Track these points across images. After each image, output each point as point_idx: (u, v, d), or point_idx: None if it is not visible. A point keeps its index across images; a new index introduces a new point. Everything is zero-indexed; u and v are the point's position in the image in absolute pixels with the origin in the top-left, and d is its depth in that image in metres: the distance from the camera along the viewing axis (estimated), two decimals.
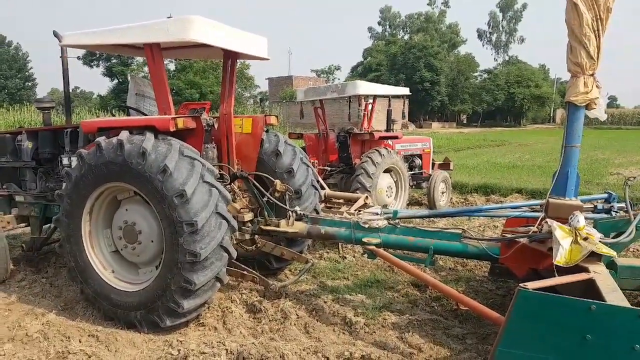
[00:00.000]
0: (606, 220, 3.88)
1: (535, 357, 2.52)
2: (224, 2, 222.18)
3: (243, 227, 4.58)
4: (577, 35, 3.12)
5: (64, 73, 5.12)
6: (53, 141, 5.22)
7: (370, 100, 8.48)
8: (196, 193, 3.57)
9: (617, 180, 10.91)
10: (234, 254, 3.92)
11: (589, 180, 11.42)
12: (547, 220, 3.27)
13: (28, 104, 38.27)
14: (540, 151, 22.20)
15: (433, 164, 9.79)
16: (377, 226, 4.16)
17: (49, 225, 5.41)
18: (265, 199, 4.66)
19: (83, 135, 4.70)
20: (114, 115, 7.51)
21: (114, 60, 51.07)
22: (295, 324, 3.91)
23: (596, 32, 3.11)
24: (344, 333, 3.80)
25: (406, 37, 73.39)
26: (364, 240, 4.12)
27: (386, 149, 7.80)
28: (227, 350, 3.39)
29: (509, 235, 3.73)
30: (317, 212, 5.15)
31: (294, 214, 4.61)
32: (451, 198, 9.63)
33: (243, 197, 4.79)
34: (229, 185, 4.57)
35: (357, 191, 7.16)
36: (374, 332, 3.78)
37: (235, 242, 4.22)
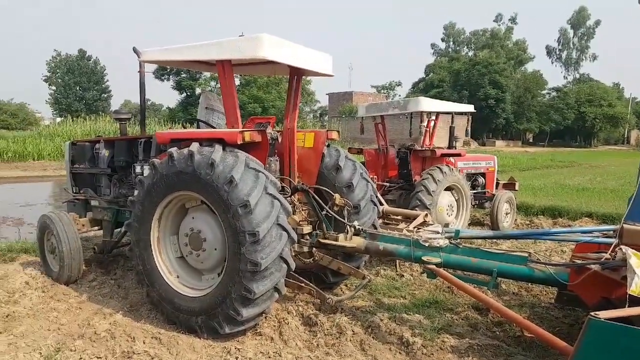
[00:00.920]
0: None
1: None
2: (290, 19, 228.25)
3: (302, 240, 4.64)
4: None
5: (140, 87, 5.45)
6: (128, 150, 5.55)
7: (433, 117, 8.37)
8: (259, 204, 3.67)
9: None
10: (293, 266, 3.97)
11: None
12: (622, 247, 3.08)
13: (103, 114, 40.98)
14: (612, 174, 20.91)
15: (497, 184, 9.49)
16: (438, 245, 4.08)
17: (119, 229, 5.73)
18: (324, 212, 4.72)
19: (156, 146, 4.97)
20: (184, 128, 7.88)
21: (183, 75, 53.80)
22: (351, 340, 3.89)
23: None
24: (400, 353, 3.74)
25: (470, 53, 72.02)
26: (424, 258, 4.06)
27: (448, 166, 7.65)
28: None
29: (579, 261, 3.54)
30: (375, 228, 5.13)
31: (352, 229, 4.62)
32: (516, 219, 9.27)
33: (303, 210, 4.86)
34: (289, 198, 4.66)
35: (416, 208, 7.05)
36: (432, 354, 3.69)
37: (294, 254, 4.28)
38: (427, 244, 4.10)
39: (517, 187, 9.50)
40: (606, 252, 3.45)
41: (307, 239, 4.72)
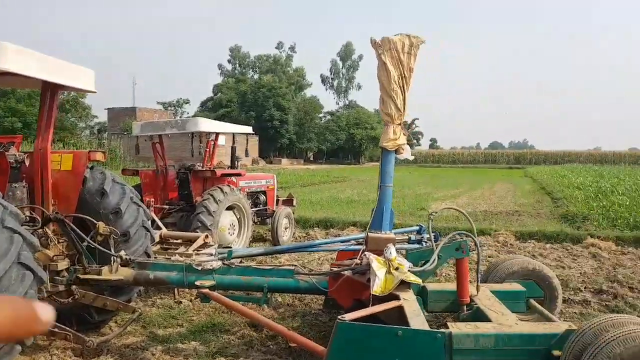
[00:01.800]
0: (416, 251, 4.35)
1: None
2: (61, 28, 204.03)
3: (57, 277, 4.07)
4: (386, 90, 3.53)
5: None
6: None
7: (212, 138, 8.41)
8: None
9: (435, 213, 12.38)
10: None
11: (413, 213, 12.77)
12: (366, 252, 3.54)
13: None
14: (375, 186, 23.82)
15: (277, 200, 10.00)
16: (211, 267, 4.06)
17: None
18: (85, 243, 4.23)
19: None
20: None
21: None
22: None
23: (402, 87, 3.55)
24: None
25: (256, 76, 75.43)
26: (197, 283, 3.98)
27: (229, 186, 7.75)
28: None
29: (335, 269, 3.95)
30: (149, 256, 4.84)
31: (119, 259, 4.26)
32: (294, 233, 9.90)
33: (59, 243, 4.28)
34: (40, 230, 4.06)
35: (198, 230, 6.93)
36: None
37: (46, 295, 3.72)
38: (200, 268, 4.04)
39: (295, 203, 10.17)
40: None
41: (63, 276, 4.15)
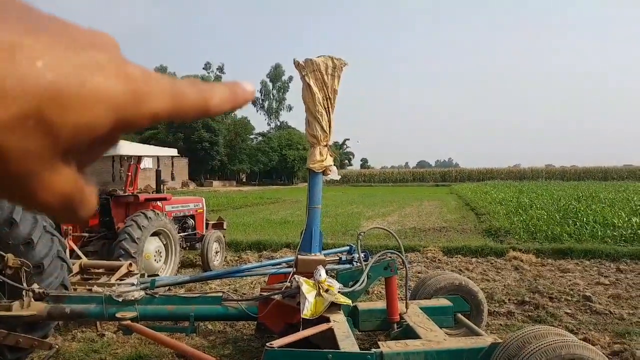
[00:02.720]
0: (346, 271, 4.37)
1: None
2: None
3: None
4: (312, 111, 3.56)
5: None
6: None
7: (134, 161, 8.06)
8: None
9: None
10: None
11: (345, 232, 12.92)
12: (296, 275, 3.50)
13: None
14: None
15: (207, 224, 9.73)
16: (133, 298, 3.84)
17: None
18: None
19: None
20: None
21: None
22: None
23: (327, 109, 3.59)
24: None
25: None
26: (118, 315, 3.75)
27: (153, 211, 7.43)
28: None
29: (265, 293, 3.87)
30: (67, 288, 4.52)
31: (31, 293, 3.93)
32: (226, 257, 9.65)
33: None
34: None
35: (121, 258, 6.57)
36: None
37: None
38: (120, 299, 3.80)
39: (225, 226, 9.94)
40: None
41: None
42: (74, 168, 0.35)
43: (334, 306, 3.30)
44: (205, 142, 59.65)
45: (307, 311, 3.17)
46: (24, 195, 0.33)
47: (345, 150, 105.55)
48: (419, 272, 8.05)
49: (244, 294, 6.65)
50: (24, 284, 3.94)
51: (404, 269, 4.01)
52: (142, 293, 3.89)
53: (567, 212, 15.49)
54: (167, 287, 5.82)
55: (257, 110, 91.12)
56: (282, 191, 46.25)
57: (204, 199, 9.86)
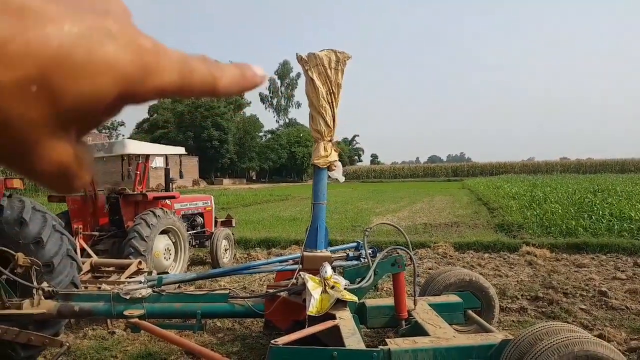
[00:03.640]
0: (352, 268, 4.33)
1: None
2: None
3: None
4: (315, 106, 3.52)
5: None
6: None
7: (142, 160, 8.09)
8: None
9: (375, 228, 12.51)
10: None
11: (354, 228, 12.87)
12: (302, 272, 3.47)
13: None
14: None
15: (216, 222, 9.75)
16: (140, 296, 3.84)
17: None
18: (4, 277, 3.92)
19: None
20: None
21: None
22: None
23: (331, 103, 3.54)
24: None
25: (198, 98, 74.34)
26: (126, 313, 3.75)
27: (162, 209, 7.46)
28: None
29: (271, 291, 3.85)
30: (77, 286, 4.56)
31: (41, 292, 3.96)
32: (235, 254, 9.66)
33: None
34: None
35: (131, 256, 6.61)
36: None
37: None
38: (128, 297, 3.81)
39: (234, 224, 9.95)
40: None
41: None
42: (73, 136, 0.34)
43: (340, 303, 3.26)
44: (215, 140, 59.87)
45: (312, 308, 3.14)
46: (22, 162, 0.32)
47: (355, 147, 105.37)
48: (429, 269, 7.98)
49: (253, 291, 6.64)
50: (34, 283, 3.98)
51: (412, 265, 3.95)
52: (150, 291, 3.90)
53: (582, 206, 15.24)
54: (177, 285, 5.84)
55: (266, 108, 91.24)
56: (292, 188, 46.26)
57: (212, 197, 9.87)
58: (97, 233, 7.48)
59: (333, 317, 3.10)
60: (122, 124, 72.16)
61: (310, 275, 3.34)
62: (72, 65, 0.30)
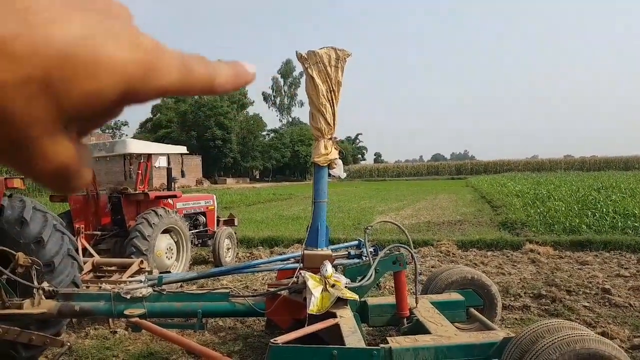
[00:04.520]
0: (353, 266, 4.31)
1: None
2: None
3: None
4: (316, 104, 3.50)
5: None
6: None
7: (144, 159, 8.09)
8: None
9: (377, 226, 12.47)
10: None
11: (357, 227, 12.84)
12: (302, 271, 3.45)
13: None
14: None
15: (218, 221, 9.75)
16: (141, 295, 3.83)
17: None
18: (5, 277, 3.92)
19: None
20: None
21: None
22: None
23: (331, 101, 3.52)
24: None
25: (195, 96, 74.37)
26: (127, 312, 3.75)
27: (164, 208, 7.46)
28: None
29: (272, 289, 3.83)
30: (78, 286, 4.56)
31: (41, 291, 3.95)
32: (237, 253, 9.66)
33: None
34: None
35: (133, 256, 6.62)
36: None
37: None
38: (129, 296, 3.80)
39: (236, 223, 9.95)
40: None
41: None
42: (74, 137, 0.34)
43: (340, 301, 3.24)
44: (218, 139, 59.93)
45: (313, 307, 3.12)
46: (22, 160, 0.32)
47: (358, 145, 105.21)
48: (432, 267, 7.95)
49: (255, 290, 6.63)
50: (35, 283, 3.98)
51: (414, 263, 3.93)
52: (150, 290, 3.89)
53: (586, 203, 15.17)
54: (179, 284, 5.83)
55: (269, 107, 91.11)
56: (295, 187, 46.23)
57: (214, 196, 9.87)
58: (99, 232, 7.49)
59: (334, 316, 3.09)
60: (125, 123, 72.45)
61: (311, 273, 3.32)
62: (75, 64, 0.30)
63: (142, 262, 5.93)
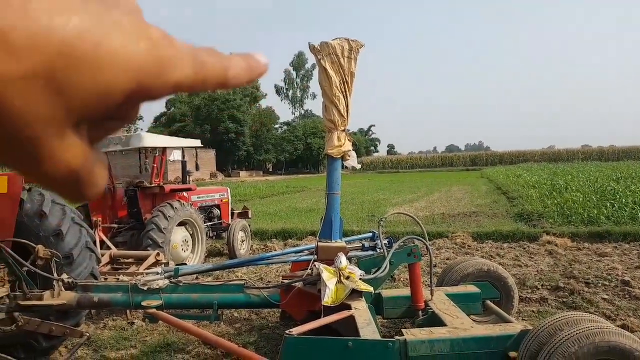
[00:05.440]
0: (368, 258, 4.30)
1: None
2: None
3: None
4: (328, 96, 3.48)
5: None
6: None
7: (159, 153, 8.16)
8: None
9: (391, 218, 12.41)
10: None
11: (371, 219, 12.82)
12: (316, 263, 3.46)
13: None
14: None
15: (232, 213, 9.81)
16: (158, 286, 3.88)
17: None
18: (26, 269, 4.01)
19: None
20: None
21: None
22: None
23: (344, 93, 3.50)
24: None
25: (209, 91, 74.84)
26: (144, 303, 3.79)
27: (179, 201, 7.53)
28: None
29: (286, 281, 3.85)
30: (96, 277, 4.64)
31: (60, 283, 4.03)
32: (252, 245, 9.72)
33: None
34: None
35: (149, 248, 6.70)
36: None
37: None
38: (145, 288, 3.85)
39: (250, 215, 10.00)
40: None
41: (4, 303, 3.93)
42: (86, 141, 0.32)
43: (355, 293, 3.24)
44: (232, 132, 60.22)
45: (327, 298, 3.13)
46: (28, 163, 0.30)
47: (371, 137, 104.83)
48: (447, 259, 7.90)
49: (270, 281, 6.67)
50: (54, 274, 4.06)
51: (429, 255, 3.91)
52: (167, 282, 3.93)
53: (604, 194, 14.89)
54: (194, 276, 5.90)
55: (282, 100, 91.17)
56: (308, 179, 46.27)
57: (228, 189, 9.93)
58: (115, 225, 7.59)
59: (348, 308, 3.09)
60: (140, 117, 72.96)
61: (325, 265, 3.32)
62: (80, 57, 0.28)
63: (158, 254, 6.00)
